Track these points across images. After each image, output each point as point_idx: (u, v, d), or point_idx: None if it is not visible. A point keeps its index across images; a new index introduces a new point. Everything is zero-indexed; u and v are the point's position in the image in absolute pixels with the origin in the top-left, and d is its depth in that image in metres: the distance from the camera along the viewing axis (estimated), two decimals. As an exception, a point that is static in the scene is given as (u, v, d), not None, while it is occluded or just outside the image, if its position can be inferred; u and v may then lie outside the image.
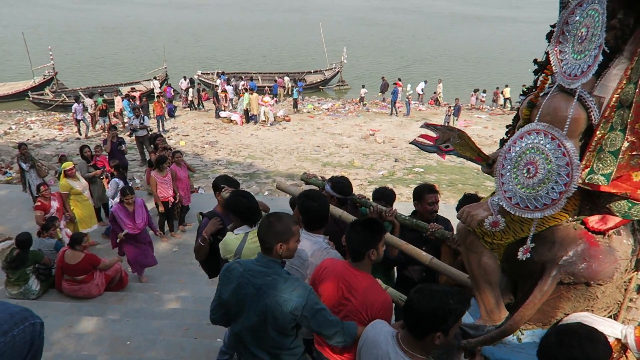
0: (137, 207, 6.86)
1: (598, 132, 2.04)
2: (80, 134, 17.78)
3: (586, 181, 2.10)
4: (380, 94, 25.43)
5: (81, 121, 17.73)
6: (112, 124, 16.95)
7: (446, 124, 19.87)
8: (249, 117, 20.37)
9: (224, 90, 21.76)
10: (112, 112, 19.15)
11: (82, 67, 29.79)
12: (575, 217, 2.29)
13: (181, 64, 30.33)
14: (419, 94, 25.45)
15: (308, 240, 3.11)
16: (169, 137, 18.13)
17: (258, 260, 2.59)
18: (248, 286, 2.53)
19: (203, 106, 22.47)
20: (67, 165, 7.93)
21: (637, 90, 1.96)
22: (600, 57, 1.93)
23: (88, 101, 17.98)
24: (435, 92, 25.41)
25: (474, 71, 33.30)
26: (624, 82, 1.99)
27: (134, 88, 21.61)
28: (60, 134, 18.19)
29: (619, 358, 2.19)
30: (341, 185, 3.81)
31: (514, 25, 53.17)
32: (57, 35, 37.08)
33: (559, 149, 2.01)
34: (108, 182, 9.24)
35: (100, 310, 5.88)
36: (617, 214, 2.14)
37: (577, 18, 2.04)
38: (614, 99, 2.00)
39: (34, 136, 17.41)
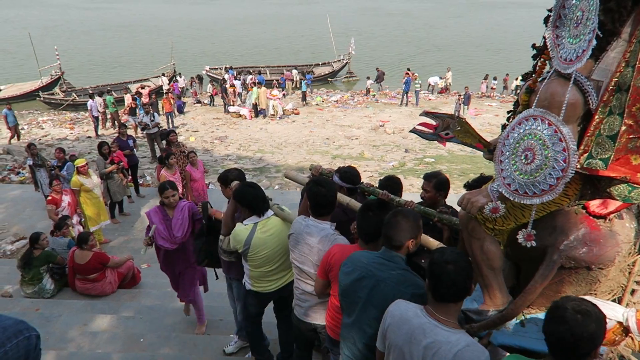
0: (178, 212, 4.79)
1: (597, 117, 2.02)
2: (97, 132, 17.87)
3: (585, 166, 2.09)
4: (375, 83, 25.19)
5: (96, 118, 17.84)
6: (122, 122, 17.05)
7: (456, 113, 19.75)
8: (257, 111, 20.34)
9: (232, 85, 21.73)
10: (122, 110, 19.19)
11: (93, 66, 29.97)
12: (577, 201, 2.28)
13: (190, 59, 30.36)
14: (430, 85, 25.23)
15: (315, 227, 3.12)
16: (179, 133, 18.17)
17: (382, 254, 2.56)
18: (371, 278, 2.51)
19: (213, 103, 22.43)
20: (80, 162, 7.98)
21: (635, 74, 1.92)
22: (594, 42, 1.90)
23: (98, 100, 18.00)
24: (444, 81, 25.18)
25: (488, 58, 32.92)
26: (623, 65, 1.97)
27: (143, 85, 21.63)
28: (72, 133, 18.31)
29: (621, 341, 2.19)
30: (349, 174, 3.81)
31: (530, 10, 52.25)
32: (68, 35, 37.46)
33: (555, 135, 2.00)
34: (125, 180, 9.32)
35: (114, 307, 5.91)
36: (618, 198, 2.13)
37: (574, 1, 2.00)
38: (612, 83, 2.00)
39: (45, 136, 17.55)
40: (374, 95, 24.02)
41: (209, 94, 22.60)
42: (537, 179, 2.07)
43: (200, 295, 5.25)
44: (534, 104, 2.14)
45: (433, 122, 3.14)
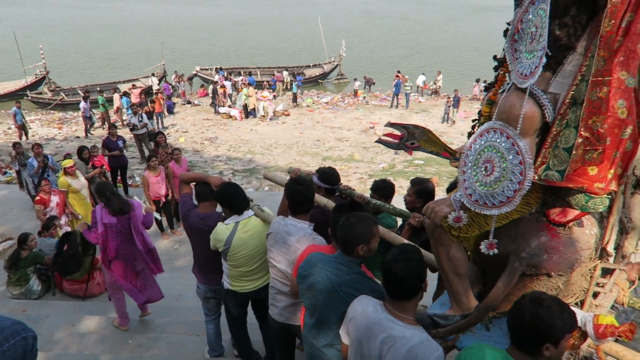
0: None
1: (554, 129, 2.08)
2: (90, 133, 17.74)
3: (542, 177, 2.13)
4: (365, 88, 25.33)
5: (88, 119, 17.69)
6: (112, 122, 16.95)
7: (446, 115, 19.84)
8: (247, 112, 20.33)
9: (223, 86, 21.69)
10: (112, 110, 19.07)
11: (83, 65, 29.70)
12: (539, 209, 2.33)
13: (180, 60, 30.24)
14: (419, 86, 25.35)
15: (294, 226, 3.18)
16: (168, 133, 18.10)
17: (337, 258, 2.62)
18: (326, 283, 2.57)
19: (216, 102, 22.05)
20: (67, 163, 7.94)
21: (589, 87, 1.96)
22: (544, 60, 1.97)
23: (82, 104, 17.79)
24: (434, 83, 25.32)
25: (482, 62, 33.11)
26: (578, 78, 2.02)
27: (134, 85, 21.49)
28: (60, 133, 18.16)
29: (580, 345, 2.24)
30: (328, 175, 3.85)
31: None
32: (60, 34, 37.06)
33: (513, 148, 2.07)
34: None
35: (102, 309, 5.88)
36: (576, 207, 2.18)
37: (530, 16, 2.05)
38: (569, 96, 2.03)
39: (33, 135, 17.38)
40: (364, 97, 24.09)
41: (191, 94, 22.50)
42: (496, 190, 2.13)
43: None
44: (494, 116, 2.20)
45: (398, 133, 3.27)
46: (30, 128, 17.44)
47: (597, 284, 2.49)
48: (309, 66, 27.99)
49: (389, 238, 3.24)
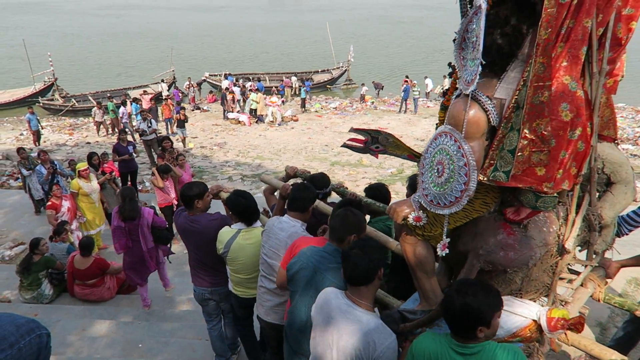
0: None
1: (500, 132, 2.17)
2: (99, 135, 17.95)
3: (491, 178, 2.21)
4: (375, 94, 25.35)
5: (101, 124, 17.89)
6: (121, 128, 17.10)
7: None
8: (257, 117, 20.43)
9: (231, 92, 21.82)
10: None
11: (94, 72, 30.00)
12: (497, 209, 2.43)
13: (190, 66, 30.44)
14: (428, 92, 25.33)
15: (287, 223, 3.32)
16: (177, 139, 18.23)
17: (325, 248, 2.81)
18: (309, 269, 2.75)
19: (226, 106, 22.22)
20: (81, 165, 8.02)
21: (532, 92, 2.04)
22: (480, 68, 2.06)
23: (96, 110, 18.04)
24: (442, 87, 25.29)
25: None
26: (521, 84, 2.09)
27: (145, 91, 21.68)
28: (71, 139, 18.35)
29: (537, 338, 2.34)
30: (314, 180, 3.99)
31: None
32: (74, 41, 37.49)
33: (459, 151, 2.17)
34: (117, 189, 9.33)
35: (113, 313, 5.92)
36: (527, 206, 2.27)
37: (474, 26, 2.12)
38: (513, 101, 2.11)
39: (44, 141, 17.57)
40: (372, 102, 24.11)
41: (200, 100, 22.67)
42: (446, 191, 2.24)
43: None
44: (445, 121, 2.30)
45: (362, 137, 3.38)
46: (42, 134, 17.65)
47: (568, 280, 2.62)
48: (317, 72, 28.09)
49: (381, 239, 3.33)
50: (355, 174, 13.67)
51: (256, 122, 20.44)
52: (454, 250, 2.48)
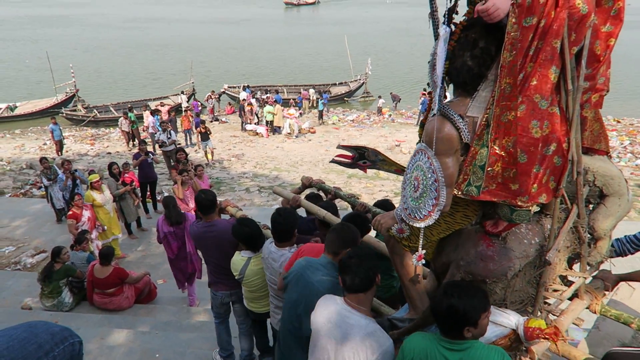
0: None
1: (472, 149, 2.25)
2: (129, 146, 18.25)
3: (464, 192, 2.30)
4: (392, 106, 25.34)
5: (129, 133, 18.20)
6: (142, 138, 17.36)
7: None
8: (273, 128, 20.62)
9: (250, 104, 22.02)
10: (141, 127, 19.54)
11: (116, 83, 30.58)
12: (478, 221, 2.54)
13: (210, 78, 30.83)
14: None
15: (276, 253, 3.50)
16: (196, 150, 18.44)
17: (320, 260, 2.97)
18: (302, 280, 2.93)
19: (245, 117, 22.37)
20: (93, 177, 8.22)
21: (500, 111, 2.14)
22: (441, 93, 2.26)
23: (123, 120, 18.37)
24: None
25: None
26: (491, 103, 2.18)
27: (162, 103, 22.01)
28: (92, 149, 18.69)
29: (516, 347, 2.41)
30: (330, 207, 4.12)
31: None
32: (98, 53, 38.33)
33: (430, 167, 2.28)
34: (137, 200, 9.48)
35: (130, 322, 5.98)
36: (503, 219, 2.38)
37: (434, 50, 2.30)
38: (483, 119, 2.21)
39: (67, 151, 17.93)
40: (390, 115, 24.11)
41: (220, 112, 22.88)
42: (421, 205, 2.35)
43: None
44: (422, 139, 2.42)
45: (349, 153, 3.55)
46: (64, 144, 18.02)
47: (556, 291, 2.67)
48: (335, 84, 28.21)
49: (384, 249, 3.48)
50: (372, 187, 13.65)
51: (272, 133, 20.59)
52: (439, 261, 2.62)
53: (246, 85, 26.11)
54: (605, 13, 2.32)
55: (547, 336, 2.26)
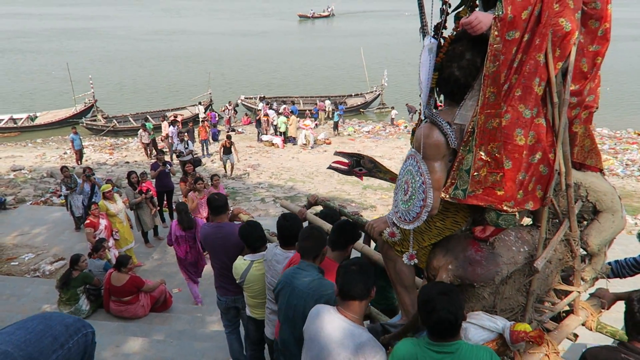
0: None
1: (459, 154, 2.37)
2: (149, 157, 18.51)
3: (451, 196, 2.39)
4: (409, 117, 25.29)
5: (148, 145, 18.43)
6: (160, 148, 17.58)
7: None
8: (286, 138, 20.80)
9: (266, 114, 22.19)
10: (160, 137, 19.80)
11: (134, 94, 31.07)
12: (468, 227, 2.63)
13: (227, 89, 31.15)
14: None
15: (280, 255, 3.55)
16: (212, 160, 18.61)
17: (300, 265, 3.07)
18: (288, 287, 3.02)
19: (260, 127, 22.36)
20: (105, 187, 8.41)
21: (483, 119, 2.25)
22: (425, 98, 2.44)
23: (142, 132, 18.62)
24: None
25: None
26: (477, 111, 2.28)
27: (176, 114, 22.30)
28: (111, 158, 18.99)
29: (503, 351, 2.45)
30: (328, 217, 4.28)
31: None
32: (123, 65, 39.10)
33: (419, 170, 2.40)
34: (154, 209, 9.60)
35: (146, 330, 6.03)
36: (490, 224, 2.46)
37: (419, 61, 2.47)
38: (470, 126, 2.32)
39: (86, 160, 18.24)
40: (405, 127, 24.06)
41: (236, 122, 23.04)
42: (410, 207, 2.45)
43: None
44: (412, 144, 2.55)
45: (346, 160, 3.68)
46: (84, 153, 18.34)
47: (552, 303, 2.76)
48: (351, 95, 28.28)
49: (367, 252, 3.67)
50: (388, 199, 13.61)
51: (284, 142, 20.75)
52: (431, 267, 2.68)
53: (262, 96, 26.33)
54: (593, 33, 2.44)
55: (531, 339, 2.31)
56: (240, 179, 16.05)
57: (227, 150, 16.18)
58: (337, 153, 3.77)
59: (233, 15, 75.87)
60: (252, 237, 3.93)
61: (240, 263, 3.95)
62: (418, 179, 2.40)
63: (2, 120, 23.14)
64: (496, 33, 2.15)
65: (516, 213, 2.40)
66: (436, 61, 2.42)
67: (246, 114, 25.98)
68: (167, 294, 6.91)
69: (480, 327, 2.43)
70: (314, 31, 62.02)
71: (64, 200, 12.78)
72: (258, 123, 21.68)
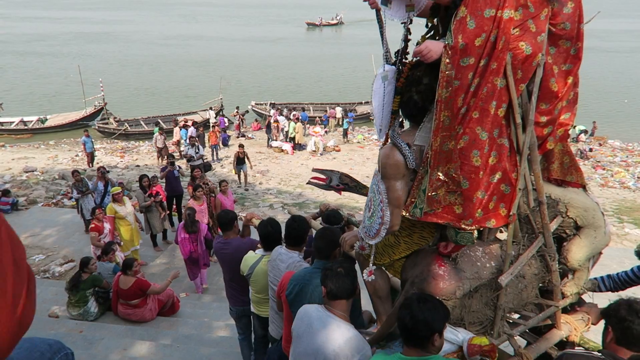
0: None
1: (419, 174, 2.48)
2: (160, 161, 18.61)
3: (411, 214, 2.49)
4: None
5: (162, 150, 18.54)
6: (170, 152, 17.71)
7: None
8: (295, 144, 20.89)
9: (276, 121, 22.28)
10: (171, 142, 19.92)
11: (148, 97, 31.33)
12: (436, 242, 2.72)
13: (238, 94, 31.32)
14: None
15: (285, 255, 3.68)
16: (222, 165, 18.71)
17: (315, 265, 3.21)
18: (304, 287, 3.10)
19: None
20: (115, 190, 8.48)
21: (439, 141, 2.35)
22: (378, 123, 2.62)
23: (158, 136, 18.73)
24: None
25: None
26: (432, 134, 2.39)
27: (186, 119, 22.45)
28: (122, 161, 19.14)
29: None
30: (330, 216, 4.49)
31: (602, 54, 50.51)
32: (139, 69, 39.52)
33: (378, 190, 2.51)
34: (163, 213, 9.66)
35: (153, 334, 6.06)
36: (451, 240, 2.56)
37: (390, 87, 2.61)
38: (429, 147, 2.42)
39: (97, 163, 18.39)
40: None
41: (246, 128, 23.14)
42: (372, 224, 2.56)
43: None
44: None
45: (322, 176, 3.88)
46: (95, 156, 18.51)
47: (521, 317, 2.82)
48: (361, 103, 28.32)
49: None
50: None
51: (294, 148, 20.82)
52: (402, 278, 2.81)
53: (273, 102, 26.45)
54: (565, 52, 2.47)
55: (485, 353, 2.41)
56: (249, 184, 16.09)
57: (240, 160, 15.62)
58: (314, 170, 3.97)
59: (249, 21, 76.48)
60: (268, 236, 4.03)
61: (251, 256, 4.10)
62: (377, 197, 2.51)
63: (13, 122, 23.46)
64: (447, 60, 2.26)
65: (474, 231, 2.52)
66: (397, 85, 2.55)
67: (256, 120, 26.11)
68: (174, 298, 6.94)
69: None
70: (324, 39, 62.31)
71: (74, 202, 12.92)
72: (268, 129, 21.77)
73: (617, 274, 3.50)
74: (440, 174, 2.39)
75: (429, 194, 2.42)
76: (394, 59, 2.59)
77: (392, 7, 2.42)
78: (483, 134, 2.34)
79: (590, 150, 20.99)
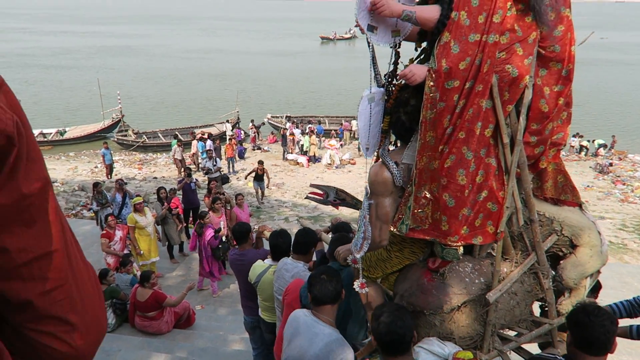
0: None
1: (406, 191, 2.56)
2: (181, 173, 18.78)
3: (398, 229, 2.56)
4: None
5: (182, 162, 18.68)
6: (187, 165, 17.91)
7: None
8: (311, 158, 20.98)
9: (292, 133, 22.40)
10: (188, 154, 20.15)
11: (165, 109, 31.78)
12: (426, 257, 2.78)
13: (254, 107, 31.62)
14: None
15: (291, 265, 3.78)
16: (238, 177, 18.84)
17: (333, 265, 3.33)
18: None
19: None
20: (136, 200, 8.59)
21: (425, 160, 2.43)
22: (364, 142, 2.75)
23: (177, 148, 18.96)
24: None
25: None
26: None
27: (203, 132, 22.71)
28: (139, 173, 19.40)
29: None
30: (339, 228, 4.50)
31: (623, 67, 49.86)
32: (160, 82, 40.17)
33: (366, 206, 2.60)
34: (180, 225, 9.76)
35: (169, 347, 6.10)
36: (438, 256, 2.61)
37: (378, 108, 2.72)
38: (415, 166, 2.50)
39: (116, 174, 18.67)
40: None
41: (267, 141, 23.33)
42: (357, 238, 2.65)
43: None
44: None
45: (319, 192, 3.98)
46: (114, 168, 18.80)
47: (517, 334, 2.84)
48: (376, 116, 28.33)
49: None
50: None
51: (309, 161, 20.91)
52: (394, 292, 2.90)
53: (289, 115, 26.63)
54: (556, 74, 2.50)
55: None
56: (264, 197, 16.18)
57: (259, 177, 14.90)
58: (312, 185, 4.09)
59: (268, 35, 77.46)
60: (277, 247, 4.14)
61: (260, 264, 4.23)
62: (363, 213, 2.61)
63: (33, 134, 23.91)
64: (431, 83, 2.32)
65: (460, 247, 2.57)
66: (387, 106, 2.66)
67: (272, 133, 26.28)
68: (190, 311, 6.99)
69: (430, 352, 2.59)
70: (339, 52, 62.81)
71: (93, 214, 13.11)
72: (284, 141, 21.91)
73: (634, 298, 3.43)
74: (427, 193, 2.46)
75: (415, 211, 2.49)
76: (384, 81, 2.70)
77: (378, 32, 2.47)
78: (469, 154, 2.41)
79: (610, 164, 20.64)
